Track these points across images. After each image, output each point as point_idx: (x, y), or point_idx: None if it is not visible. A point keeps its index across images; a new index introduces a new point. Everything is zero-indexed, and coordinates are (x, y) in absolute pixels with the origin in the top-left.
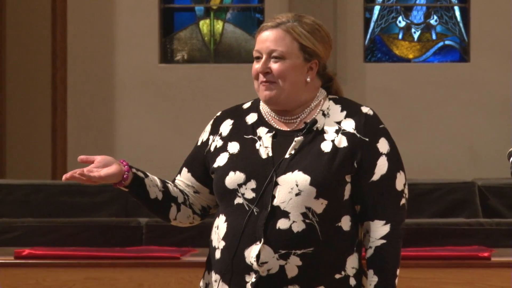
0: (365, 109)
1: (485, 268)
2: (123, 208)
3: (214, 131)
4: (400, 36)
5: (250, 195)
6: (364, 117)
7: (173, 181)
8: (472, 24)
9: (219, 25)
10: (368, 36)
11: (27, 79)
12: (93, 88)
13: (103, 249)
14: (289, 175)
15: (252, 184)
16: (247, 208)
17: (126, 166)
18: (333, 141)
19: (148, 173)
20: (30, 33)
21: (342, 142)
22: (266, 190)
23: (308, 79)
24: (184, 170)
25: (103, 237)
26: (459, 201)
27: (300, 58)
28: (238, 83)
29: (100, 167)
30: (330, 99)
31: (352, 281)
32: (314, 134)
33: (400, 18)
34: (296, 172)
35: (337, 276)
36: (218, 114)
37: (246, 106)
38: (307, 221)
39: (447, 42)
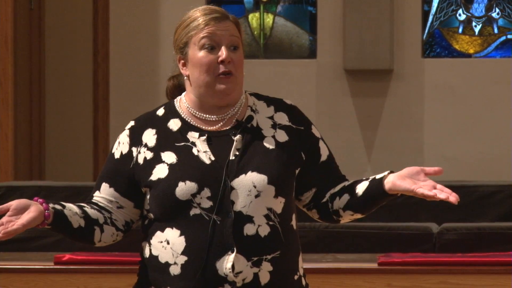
0: (288, 102)
1: None
2: None
3: (135, 142)
4: (460, 30)
5: (207, 204)
6: (291, 109)
7: (90, 200)
8: None
9: (269, 18)
10: (426, 30)
11: (67, 76)
12: (136, 85)
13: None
14: (243, 178)
15: (207, 192)
16: (207, 218)
17: (44, 204)
18: (273, 136)
19: (63, 203)
20: (70, 27)
21: (282, 136)
22: (224, 196)
23: (244, 73)
24: (105, 185)
25: None
26: None
27: (242, 50)
28: (289, 79)
29: (17, 214)
30: (250, 94)
31: (303, 281)
32: (252, 132)
33: (460, 11)
34: (250, 173)
35: (295, 277)
36: (132, 123)
37: (160, 112)
38: (270, 223)
39: (509, 36)
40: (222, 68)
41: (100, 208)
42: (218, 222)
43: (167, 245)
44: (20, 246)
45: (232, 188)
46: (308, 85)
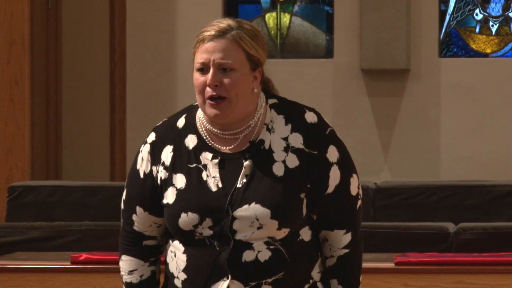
0: (309, 118)
1: None
2: None
3: (155, 160)
4: (477, 30)
5: (208, 232)
6: (310, 128)
7: (131, 227)
8: None
9: (286, 18)
10: (443, 30)
11: (84, 76)
12: (153, 84)
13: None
14: (246, 208)
15: (208, 222)
16: (208, 243)
17: None
18: (284, 161)
19: None
20: (87, 26)
21: (293, 161)
22: (224, 225)
23: (255, 90)
24: (139, 209)
25: None
26: None
27: (247, 68)
28: (305, 79)
29: None
30: (271, 107)
31: (320, 286)
32: (263, 156)
33: (477, 11)
34: (253, 204)
35: (306, 286)
36: (153, 138)
37: (180, 124)
38: (271, 247)
39: None
40: (208, 92)
41: (155, 259)
42: (218, 248)
43: (174, 257)
44: (36, 245)
45: (235, 218)
46: (324, 85)
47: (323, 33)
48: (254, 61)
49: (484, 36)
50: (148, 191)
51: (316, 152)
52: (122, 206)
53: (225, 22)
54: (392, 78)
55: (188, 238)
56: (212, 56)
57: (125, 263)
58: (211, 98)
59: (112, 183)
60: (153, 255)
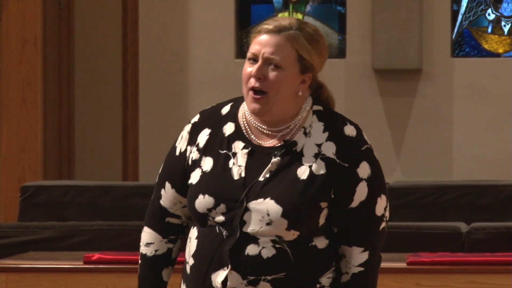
0: (348, 130)
1: None
2: None
3: (192, 140)
4: (489, 30)
5: (220, 219)
6: (346, 140)
7: (158, 200)
8: None
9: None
10: (455, 30)
11: (96, 76)
12: (165, 84)
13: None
14: (260, 202)
15: (222, 208)
16: (217, 231)
17: None
18: (310, 166)
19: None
20: (99, 26)
21: (320, 168)
22: (236, 214)
23: (300, 93)
24: (168, 185)
25: None
26: None
27: (296, 69)
28: None
29: None
30: (314, 112)
31: None
32: (292, 156)
33: (489, 11)
34: (268, 200)
35: None
36: (196, 119)
37: (224, 111)
38: (277, 246)
39: None
40: (251, 83)
41: (176, 235)
42: (225, 237)
43: (189, 242)
44: (49, 245)
45: (247, 209)
46: (337, 85)
47: (335, 33)
48: (305, 64)
49: (496, 36)
50: (179, 169)
51: (347, 165)
52: (157, 179)
53: (288, 21)
54: (404, 78)
55: (202, 223)
56: (263, 49)
57: (145, 234)
58: (253, 89)
59: (125, 183)
60: (174, 233)
